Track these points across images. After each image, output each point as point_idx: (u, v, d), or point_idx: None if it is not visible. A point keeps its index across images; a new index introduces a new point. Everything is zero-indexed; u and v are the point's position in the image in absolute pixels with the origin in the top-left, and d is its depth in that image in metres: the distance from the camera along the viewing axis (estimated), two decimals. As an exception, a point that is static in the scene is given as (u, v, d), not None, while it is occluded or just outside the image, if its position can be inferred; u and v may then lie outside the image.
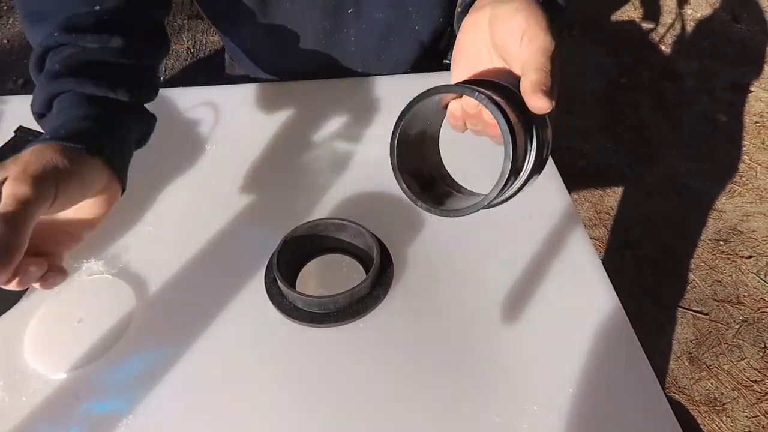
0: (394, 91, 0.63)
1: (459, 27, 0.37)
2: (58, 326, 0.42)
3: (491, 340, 0.42)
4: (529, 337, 0.42)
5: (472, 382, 0.40)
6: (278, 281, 0.42)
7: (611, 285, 0.46)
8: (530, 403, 0.39)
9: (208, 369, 0.40)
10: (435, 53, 0.67)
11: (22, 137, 0.53)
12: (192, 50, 1.93)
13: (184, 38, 1.97)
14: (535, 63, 0.30)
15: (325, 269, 0.47)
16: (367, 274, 0.43)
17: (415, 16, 0.59)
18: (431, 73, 0.65)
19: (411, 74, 0.66)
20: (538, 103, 0.29)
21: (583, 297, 0.45)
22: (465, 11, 0.37)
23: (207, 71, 1.85)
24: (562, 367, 0.41)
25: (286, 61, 0.64)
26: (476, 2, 0.36)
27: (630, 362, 0.41)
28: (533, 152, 0.31)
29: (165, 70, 1.86)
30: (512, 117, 0.29)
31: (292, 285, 0.43)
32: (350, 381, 0.40)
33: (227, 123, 0.60)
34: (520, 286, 0.46)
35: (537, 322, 0.43)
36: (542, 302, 0.45)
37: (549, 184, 0.54)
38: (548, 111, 0.30)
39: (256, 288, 0.45)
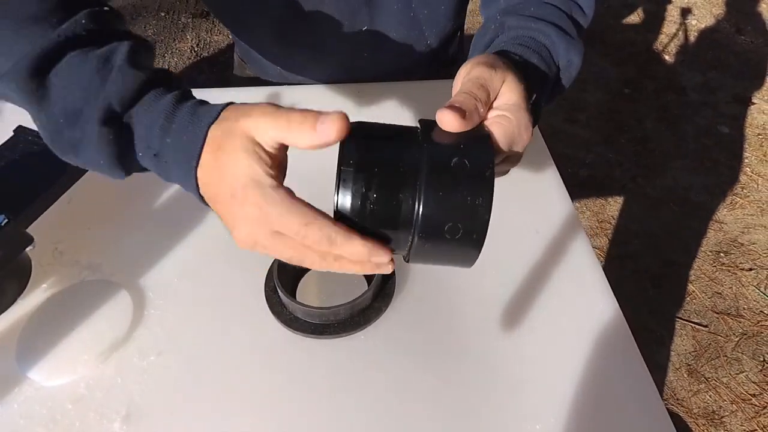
0: (406, 97, 0.63)
1: None
2: (51, 331, 0.41)
3: (494, 353, 0.41)
4: (532, 351, 0.42)
5: (474, 396, 0.39)
6: (278, 291, 0.42)
7: (614, 298, 0.45)
8: (532, 421, 0.38)
9: (205, 379, 0.39)
10: (444, 57, 0.67)
11: (22, 136, 0.52)
12: (196, 49, 1.92)
13: (188, 37, 1.97)
14: (462, 88, 0.29)
15: (325, 279, 0.47)
16: (368, 285, 0.42)
17: (428, 32, 0.59)
18: (441, 80, 0.65)
19: (422, 81, 0.65)
20: (443, 116, 0.27)
21: (586, 309, 0.45)
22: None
23: (211, 70, 1.84)
24: (564, 381, 0.40)
25: (299, 72, 0.64)
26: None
27: (632, 376, 0.41)
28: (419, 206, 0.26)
29: (168, 69, 1.85)
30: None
31: (292, 295, 0.43)
32: (350, 394, 0.39)
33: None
34: (523, 298, 0.45)
35: (539, 335, 0.43)
36: (544, 314, 0.44)
37: (552, 194, 0.54)
38: (455, 129, 0.27)
39: (255, 297, 0.44)
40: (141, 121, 0.28)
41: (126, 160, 0.29)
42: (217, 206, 0.28)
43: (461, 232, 0.26)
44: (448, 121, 0.27)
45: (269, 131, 0.27)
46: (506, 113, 0.30)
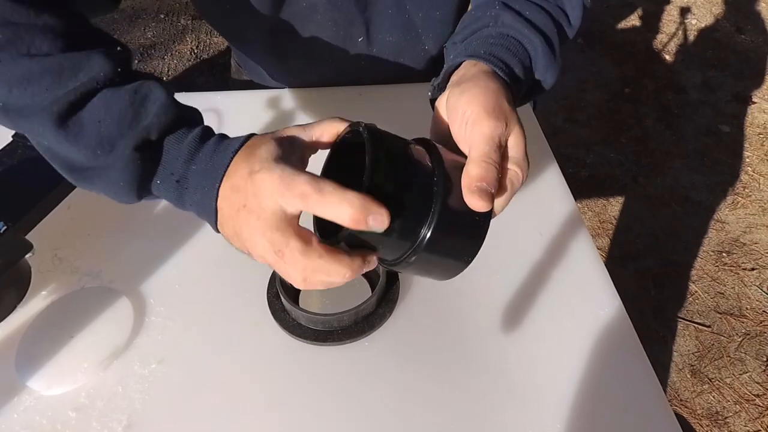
0: (406, 100, 0.62)
1: (433, 108, 0.36)
2: (51, 339, 0.41)
3: (498, 356, 0.41)
4: (536, 352, 0.41)
5: (479, 399, 0.39)
6: (281, 297, 0.41)
7: (619, 298, 0.45)
8: (537, 423, 0.38)
9: (207, 386, 0.39)
10: (443, 62, 0.67)
11: (20, 142, 0.52)
12: (195, 51, 1.92)
13: (187, 39, 1.97)
14: (477, 153, 0.29)
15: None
16: (372, 291, 0.42)
17: (425, 36, 0.58)
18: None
19: (420, 83, 0.65)
20: (474, 203, 0.28)
21: (590, 310, 0.44)
22: (435, 96, 0.37)
23: (210, 72, 1.84)
24: (569, 382, 0.40)
25: (295, 79, 0.64)
26: (449, 83, 0.35)
27: (637, 377, 0.41)
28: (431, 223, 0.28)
29: (168, 71, 1.85)
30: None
31: (295, 300, 0.42)
32: (355, 401, 0.39)
33: (231, 131, 0.59)
34: (527, 299, 0.45)
35: (543, 337, 0.42)
36: (548, 316, 0.44)
37: (555, 194, 0.53)
38: (487, 210, 0.28)
39: (257, 303, 0.43)
40: (169, 151, 0.30)
41: (143, 185, 0.31)
42: (234, 221, 0.29)
43: (450, 264, 0.30)
44: (481, 207, 0.28)
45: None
46: (515, 168, 0.31)
